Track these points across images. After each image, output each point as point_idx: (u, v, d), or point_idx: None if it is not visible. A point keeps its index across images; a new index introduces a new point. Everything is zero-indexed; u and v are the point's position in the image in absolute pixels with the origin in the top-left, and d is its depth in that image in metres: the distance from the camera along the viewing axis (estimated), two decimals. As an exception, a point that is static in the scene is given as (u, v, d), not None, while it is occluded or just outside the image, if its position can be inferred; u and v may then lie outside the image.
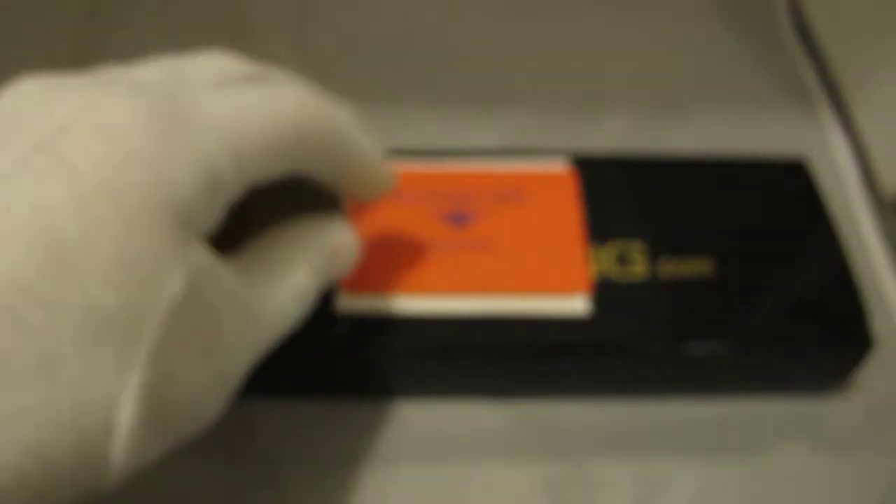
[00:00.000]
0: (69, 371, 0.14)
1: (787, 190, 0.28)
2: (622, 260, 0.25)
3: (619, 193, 0.27)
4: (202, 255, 0.17)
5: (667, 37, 0.37)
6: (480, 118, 0.32)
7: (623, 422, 0.26)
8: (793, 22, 0.38)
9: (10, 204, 0.14)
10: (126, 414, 0.15)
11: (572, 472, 0.25)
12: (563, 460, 0.25)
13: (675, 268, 0.25)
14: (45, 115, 0.16)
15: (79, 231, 0.14)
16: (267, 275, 0.19)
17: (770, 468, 0.25)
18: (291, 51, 0.35)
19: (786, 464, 0.25)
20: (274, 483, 0.25)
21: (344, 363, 0.25)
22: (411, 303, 0.24)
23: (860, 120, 0.34)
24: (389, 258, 0.25)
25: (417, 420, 0.26)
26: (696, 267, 0.25)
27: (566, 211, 0.26)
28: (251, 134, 0.18)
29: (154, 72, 0.19)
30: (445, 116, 0.33)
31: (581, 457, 0.25)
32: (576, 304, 0.24)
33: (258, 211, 0.21)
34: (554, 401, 0.26)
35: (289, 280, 0.19)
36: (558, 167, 0.27)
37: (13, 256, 0.14)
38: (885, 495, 0.25)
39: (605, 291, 0.25)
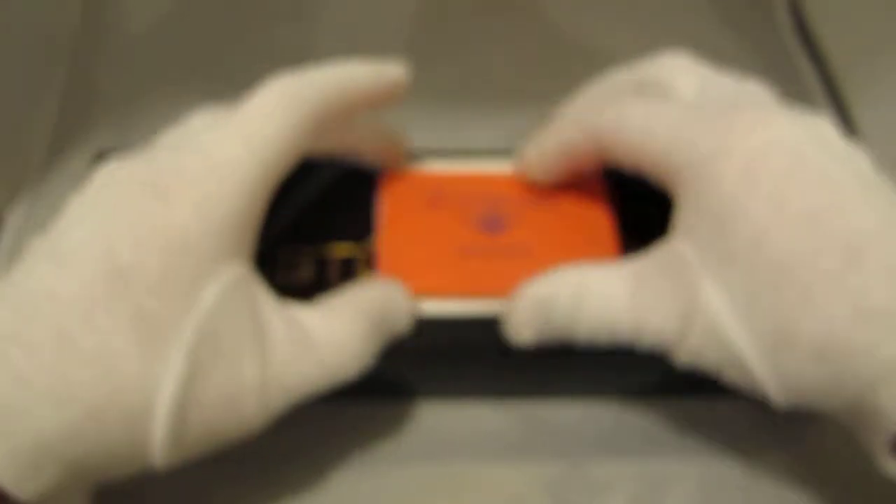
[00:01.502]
0: (122, 358, 0.18)
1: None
2: None
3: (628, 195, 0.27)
4: (237, 275, 0.20)
5: (666, 37, 0.37)
6: (477, 119, 0.32)
7: (623, 422, 0.26)
8: (793, 22, 0.38)
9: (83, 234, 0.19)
10: (165, 397, 0.18)
11: (572, 472, 0.25)
12: (563, 460, 0.25)
13: None
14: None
15: (132, 255, 0.18)
16: (321, 318, 0.21)
17: (770, 468, 0.25)
18: (291, 53, 0.36)
19: (786, 464, 0.25)
20: (273, 483, 0.25)
21: None
22: (442, 307, 0.24)
23: (860, 120, 0.34)
24: (423, 263, 0.24)
25: (417, 420, 0.26)
26: None
27: (599, 214, 0.26)
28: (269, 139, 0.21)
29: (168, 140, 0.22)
30: (443, 116, 0.33)
31: (581, 457, 0.25)
32: None
33: None
34: (554, 401, 0.26)
35: (342, 324, 0.21)
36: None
37: (83, 274, 0.18)
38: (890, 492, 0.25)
39: None
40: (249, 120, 0.21)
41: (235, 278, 0.20)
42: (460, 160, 0.27)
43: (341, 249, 0.25)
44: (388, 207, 0.26)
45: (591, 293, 0.22)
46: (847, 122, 0.34)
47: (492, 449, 0.25)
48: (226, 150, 0.20)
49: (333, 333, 0.21)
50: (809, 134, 0.21)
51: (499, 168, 0.27)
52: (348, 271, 0.25)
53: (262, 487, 0.24)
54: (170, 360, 0.18)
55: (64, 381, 0.17)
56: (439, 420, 0.26)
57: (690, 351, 0.21)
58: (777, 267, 0.19)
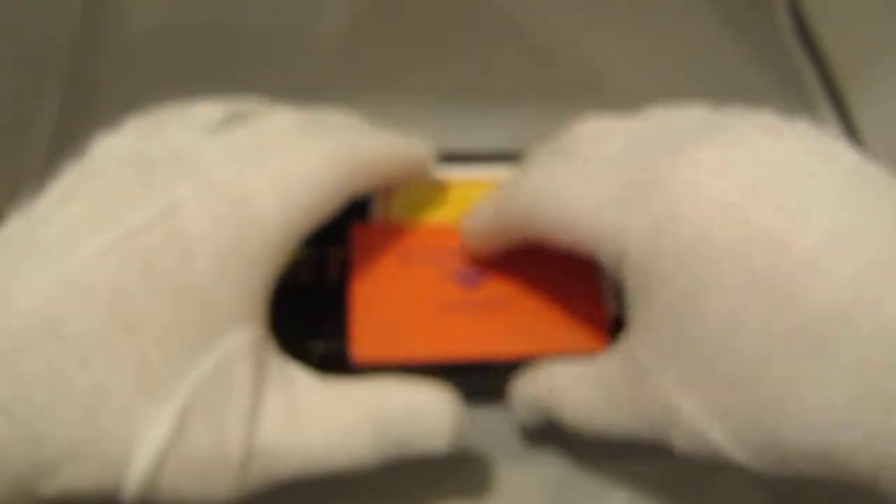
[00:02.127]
0: (112, 405, 0.17)
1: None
2: None
3: None
4: (247, 340, 0.19)
5: (666, 37, 0.37)
6: (478, 118, 0.32)
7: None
8: (793, 22, 0.38)
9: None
10: (147, 452, 0.17)
11: (572, 472, 0.25)
12: (563, 460, 0.25)
13: None
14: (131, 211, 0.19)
15: (144, 300, 0.18)
16: (326, 399, 0.20)
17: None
18: (292, 53, 0.36)
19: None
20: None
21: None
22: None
23: (860, 119, 0.34)
24: (400, 323, 0.24)
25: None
26: None
27: (581, 259, 0.24)
28: (301, 196, 0.20)
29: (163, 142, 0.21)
30: (444, 115, 0.33)
31: (581, 457, 0.25)
32: None
33: None
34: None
35: (345, 417, 0.20)
36: None
37: (89, 308, 0.17)
38: None
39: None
40: (292, 184, 0.20)
41: (245, 343, 0.19)
42: (460, 166, 0.27)
43: (341, 250, 0.25)
44: (360, 264, 0.25)
45: (564, 399, 0.22)
46: (847, 122, 0.34)
47: (492, 449, 0.25)
48: (258, 208, 0.19)
49: (332, 425, 0.20)
50: (751, 171, 0.18)
51: (499, 173, 0.27)
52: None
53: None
54: (160, 417, 0.18)
55: (49, 418, 0.17)
56: (439, 420, 0.26)
57: (679, 450, 0.19)
58: (745, 364, 0.17)
